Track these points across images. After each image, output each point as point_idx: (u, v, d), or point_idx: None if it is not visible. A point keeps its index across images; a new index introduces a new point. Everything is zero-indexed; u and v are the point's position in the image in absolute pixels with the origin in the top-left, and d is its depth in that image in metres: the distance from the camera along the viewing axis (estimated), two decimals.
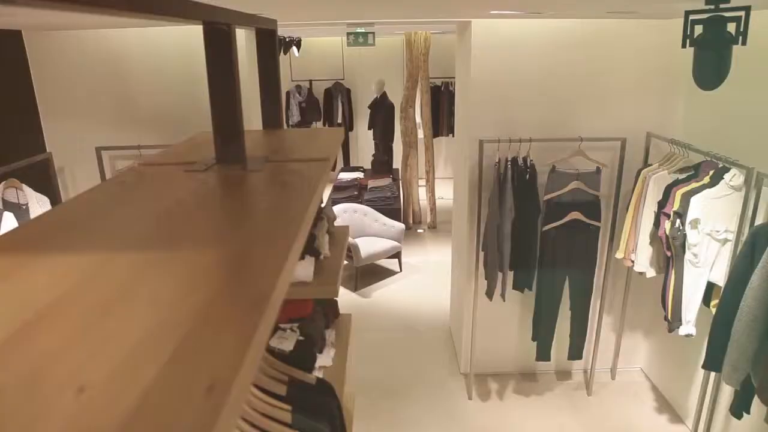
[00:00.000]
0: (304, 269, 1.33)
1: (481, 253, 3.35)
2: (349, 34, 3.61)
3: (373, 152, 7.10)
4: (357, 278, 5.19)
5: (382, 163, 6.71)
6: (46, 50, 3.21)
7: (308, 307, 1.47)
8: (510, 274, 3.32)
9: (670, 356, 3.54)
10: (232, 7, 1.50)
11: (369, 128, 7.08)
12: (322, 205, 1.72)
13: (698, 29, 1.84)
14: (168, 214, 0.90)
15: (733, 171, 2.61)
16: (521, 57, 3.22)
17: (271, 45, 1.61)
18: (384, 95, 6.72)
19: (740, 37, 1.76)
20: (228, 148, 1.20)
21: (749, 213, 2.49)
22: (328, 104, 8.02)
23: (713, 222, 2.68)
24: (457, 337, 4.11)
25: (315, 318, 1.51)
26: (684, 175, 2.92)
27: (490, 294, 3.27)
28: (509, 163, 3.14)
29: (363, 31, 3.55)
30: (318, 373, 1.49)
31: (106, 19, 2.37)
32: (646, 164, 3.26)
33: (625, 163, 3.33)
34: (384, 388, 3.75)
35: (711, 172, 2.74)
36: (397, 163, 6.98)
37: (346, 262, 5.51)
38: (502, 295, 3.26)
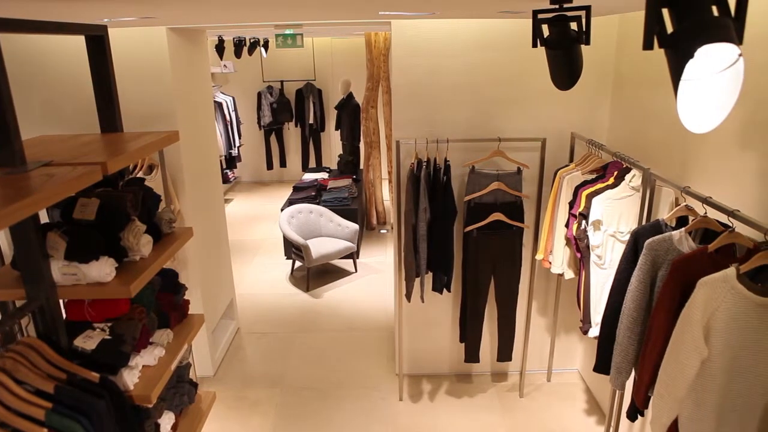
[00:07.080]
0: (98, 270, 1.35)
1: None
2: (277, 36, 3.63)
3: (340, 152, 7.11)
4: (309, 279, 5.21)
5: (347, 163, 6.72)
6: None
7: (123, 307, 1.49)
8: (429, 276, 3.32)
9: None
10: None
11: (336, 129, 7.09)
12: (160, 210, 1.73)
13: (549, 29, 1.84)
14: None
15: (633, 171, 2.59)
16: (443, 57, 3.21)
17: (102, 50, 1.63)
18: (350, 96, 6.73)
19: (584, 36, 1.75)
20: None
21: (645, 214, 2.47)
22: (300, 105, 8.05)
23: (617, 223, 2.66)
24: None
25: (133, 317, 1.52)
26: (593, 176, 2.90)
27: (408, 295, 3.27)
28: (424, 164, 3.13)
29: (291, 33, 3.56)
30: (134, 372, 1.50)
31: None
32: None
33: (549, 164, 3.31)
34: (317, 388, 3.77)
35: (615, 173, 2.72)
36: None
37: (299, 263, 5.55)
38: (421, 297, 3.26)
